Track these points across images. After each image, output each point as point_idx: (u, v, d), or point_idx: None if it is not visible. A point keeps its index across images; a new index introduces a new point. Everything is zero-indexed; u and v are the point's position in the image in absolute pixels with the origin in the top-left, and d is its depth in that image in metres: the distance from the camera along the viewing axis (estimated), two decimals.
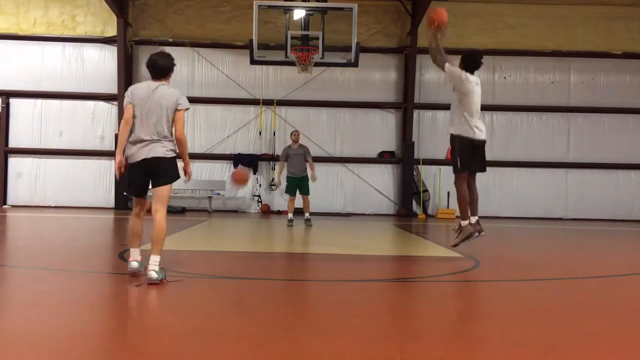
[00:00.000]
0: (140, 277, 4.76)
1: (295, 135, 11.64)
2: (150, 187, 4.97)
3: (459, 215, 6.49)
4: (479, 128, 6.24)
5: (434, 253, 7.69)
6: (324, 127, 16.83)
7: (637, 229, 13.74)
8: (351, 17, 11.99)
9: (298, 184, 11.39)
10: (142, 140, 4.81)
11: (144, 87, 5.03)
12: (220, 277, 5.26)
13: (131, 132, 4.88)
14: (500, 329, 3.56)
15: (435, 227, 13.14)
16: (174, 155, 4.92)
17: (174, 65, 5.47)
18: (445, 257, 6.92)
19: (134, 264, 4.91)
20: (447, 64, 6.26)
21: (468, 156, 6.21)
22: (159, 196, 4.88)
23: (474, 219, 6.32)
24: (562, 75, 17.00)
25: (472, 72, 6.23)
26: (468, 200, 6.24)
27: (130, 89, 5.12)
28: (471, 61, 6.25)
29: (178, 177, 4.95)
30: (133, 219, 5.10)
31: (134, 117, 4.87)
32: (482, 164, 6.40)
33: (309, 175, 11.42)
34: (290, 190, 11.44)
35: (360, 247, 8.31)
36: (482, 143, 6.28)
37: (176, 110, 4.94)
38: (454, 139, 6.27)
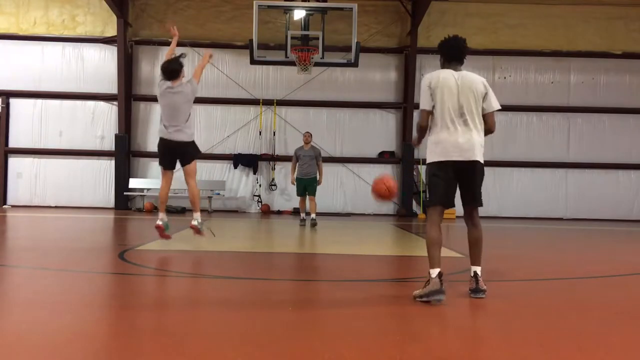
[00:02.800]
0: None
1: (306, 136, 11.65)
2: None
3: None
4: (455, 143, 4.28)
5: None
6: (324, 127, 16.84)
7: (637, 229, 13.74)
8: (351, 17, 12.00)
9: (306, 185, 11.43)
10: None
11: None
12: (220, 277, 5.25)
13: None
14: (500, 329, 3.56)
15: None
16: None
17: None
18: (445, 257, 6.90)
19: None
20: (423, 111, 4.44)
21: (439, 182, 4.32)
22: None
23: (472, 271, 4.44)
24: (562, 75, 17.01)
25: (449, 62, 4.51)
26: (438, 242, 4.27)
27: None
28: (448, 49, 4.53)
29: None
30: None
31: None
32: (469, 194, 4.44)
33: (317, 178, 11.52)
34: (300, 191, 11.50)
35: (360, 247, 8.31)
36: (463, 164, 4.30)
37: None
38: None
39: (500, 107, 4.58)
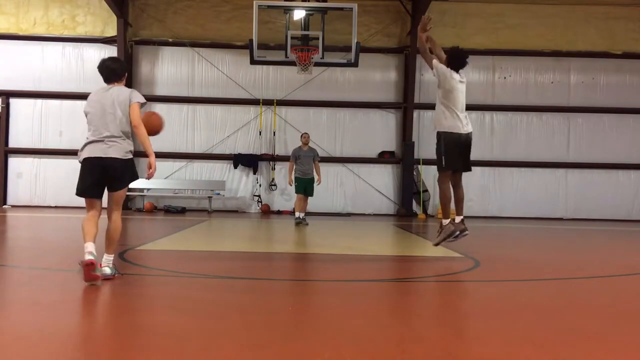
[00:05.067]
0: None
1: (305, 137, 11.87)
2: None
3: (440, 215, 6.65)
4: (467, 123, 6.40)
5: (434, 253, 7.68)
6: (324, 127, 16.83)
7: (637, 229, 13.74)
8: (351, 17, 11.98)
9: (306, 185, 11.59)
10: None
11: None
12: (220, 277, 5.25)
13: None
14: (500, 329, 3.56)
15: (435, 227, 13.08)
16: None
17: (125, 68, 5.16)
18: (445, 257, 6.92)
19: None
20: (434, 61, 6.51)
21: (454, 154, 6.29)
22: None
23: (458, 219, 6.36)
24: (562, 75, 17.00)
25: (456, 70, 6.44)
26: (451, 199, 6.34)
27: None
28: (457, 60, 6.46)
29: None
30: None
31: None
32: (467, 163, 6.45)
33: (315, 179, 11.68)
34: (300, 189, 11.59)
35: (360, 247, 8.31)
36: (469, 136, 6.39)
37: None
38: (441, 136, 6.43)
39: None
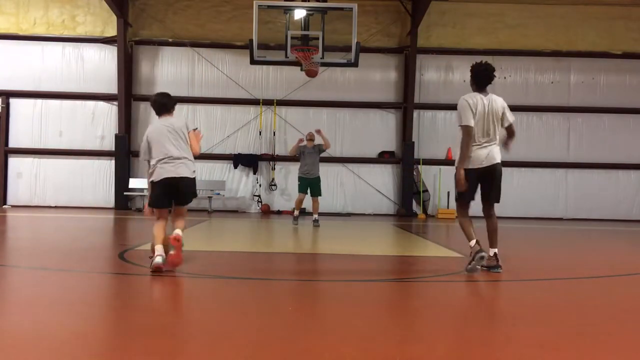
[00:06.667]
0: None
1: (310, 134, 11.49)
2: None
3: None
4: (485, 154, 5.43)
5: (434, 253, 7.69)
6: (324, 127, 16.64)
7: (637, 229, 13.74)
8: (351, 17, 11.97)
9: (310, 185, 11.29)
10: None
11: None
12: (220, 277, 5.25)
13: None
14: (500, 328, 3.56)
15: (435, 227, 13.13)
16: None
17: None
18: (445, 257, 6.93)
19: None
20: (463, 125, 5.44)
21: (468, 186, 5.49)
22: None
23: (492, 252, 5.55)
24: (562, 75, 17.00)
25: (483, 87, 5.61)
26: (470, 222, 5.59)
27: None
28: (483, 75, 5.63)
29: None
30: None
31: None
32: (492, 192, 5.60)
33: (320, 178, 11.39)
34: (303, 189, 11.31)
35: (360, 247, 8.31)
36: (491, 169, 5.48)
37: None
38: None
39: (514, 119, 5.68)
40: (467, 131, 5.39)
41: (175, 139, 5.50)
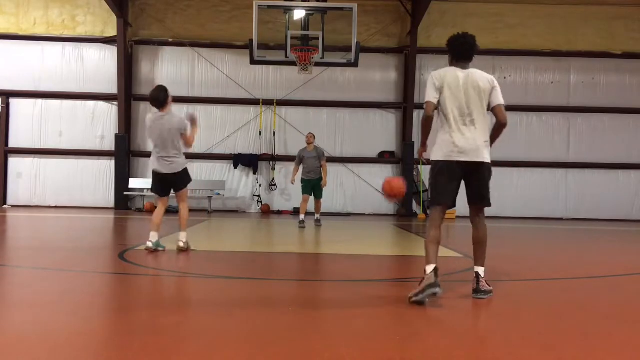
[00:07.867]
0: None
1: (309, 137, 11.38)
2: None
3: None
4: (464, 142, 4.32)
5: None
6: (324, 127, 16.83)
7: (637, 229, 13.74)
8: (351, 17, 11.99)
9: (313, 186, 11.21)
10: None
11: None
12: (220, 277, 5.25)
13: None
14: (500, 329, 3.56)
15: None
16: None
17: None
18: (445, 257, 6.91)
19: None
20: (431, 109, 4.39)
21: (442, 181, 4.34)
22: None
23: (475, 270, 4.38)
24: (562, 75, 17.01)
25: (461, 61, 4.39)
26: (437, 240, 4.24)
27: None
28: (458, 45, 4.39)
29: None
30: None
31: None
32: (477, 192, 4.51)
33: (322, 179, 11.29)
34: (306, 191, 11.21)
35: (360, 247, 8.31)
36: (476, 165, 4.40)
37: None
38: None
39: (503, 102, 4.44)
40: (426, 108, 4.34)
41: (170, 140, 6.39)
